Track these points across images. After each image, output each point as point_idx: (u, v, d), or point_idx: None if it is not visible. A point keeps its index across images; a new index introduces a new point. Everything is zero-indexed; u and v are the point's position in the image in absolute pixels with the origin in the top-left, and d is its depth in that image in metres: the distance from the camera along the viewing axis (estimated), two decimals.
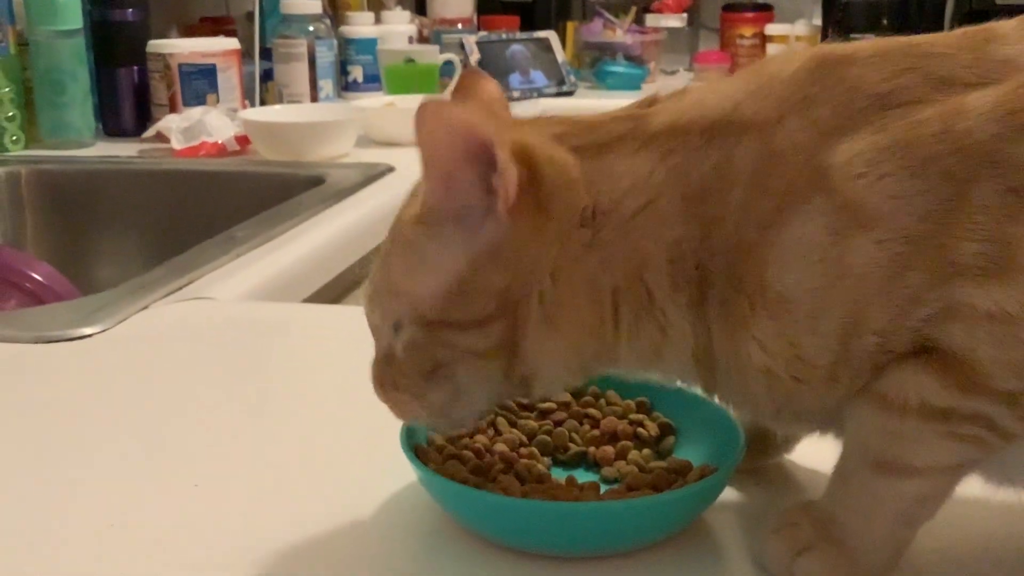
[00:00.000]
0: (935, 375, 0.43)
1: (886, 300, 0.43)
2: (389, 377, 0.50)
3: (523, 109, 2.06)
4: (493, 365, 0.48)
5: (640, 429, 0.58)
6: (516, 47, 2.25)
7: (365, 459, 0.58)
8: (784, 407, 0.47)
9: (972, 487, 0.48)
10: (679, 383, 0.54)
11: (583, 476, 0.55)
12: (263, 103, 1.80)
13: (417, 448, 0.53)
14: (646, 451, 0.57)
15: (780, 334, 0.44)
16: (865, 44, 0.47)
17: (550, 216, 0.46)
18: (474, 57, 2.15)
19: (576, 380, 0.52)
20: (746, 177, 0.45)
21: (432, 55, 1.99)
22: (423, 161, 0.46)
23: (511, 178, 0.45)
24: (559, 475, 0.55)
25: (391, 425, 0.53)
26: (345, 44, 2.07)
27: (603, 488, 0.53)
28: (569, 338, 0.48)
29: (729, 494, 0.53)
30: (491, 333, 0.47)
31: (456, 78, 0.56)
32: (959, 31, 0.46)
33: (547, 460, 0.56)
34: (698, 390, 0.51)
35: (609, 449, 0.57)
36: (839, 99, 0.44)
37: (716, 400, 0.51)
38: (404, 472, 0.52)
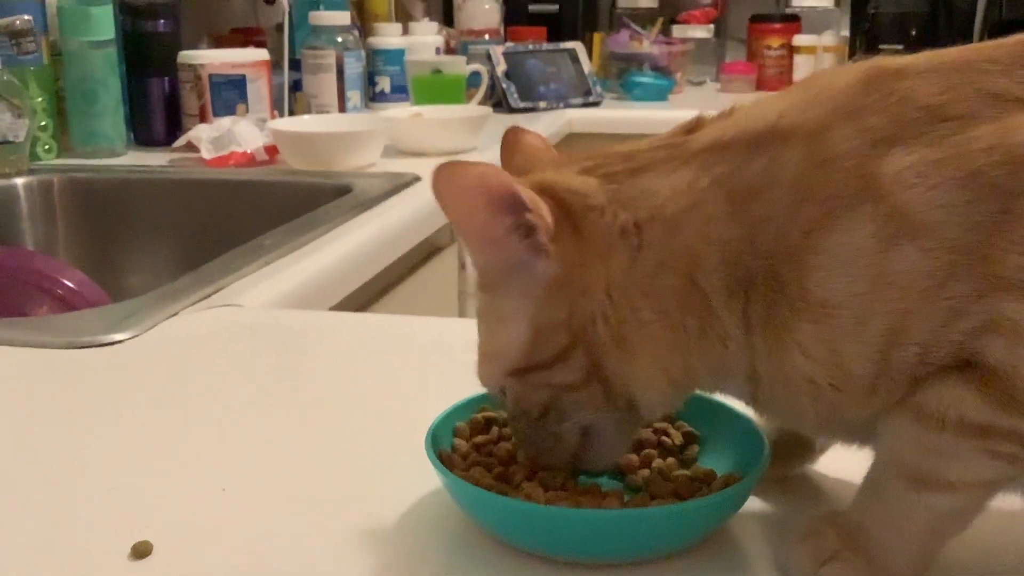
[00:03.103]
0: (974, 390, 0.43)
1: (929, 310, 0.43)
2: (523, 434, 0.52)
3: (549, 120, 2.07)
4: (592, 392, 0.49)
5: (664, 438, 0.58)
6: (543, 58, 2.26)
7: (390, 465, 0.59)
8: (828, 419, 0.47)
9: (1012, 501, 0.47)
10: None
11: (607, 484, 0.55)
12: (292, 113, 1.81)
13: (442, 454, 0.54)
14: (670, 459, 0.57)
15: (821, 340, 0.44)
16: (918, 58, 0.47)
17: (585, 240, 0.47)
18: (500, 68, 2.16)
19: (676, 399, 0.51)
20: (790, 180, 0.45)
21: (459, 66, 2.00)
22: (455, 229, 0.48)
23: (544, 208, 0.47)
24: (583, 483, 0.55)
25: (416, 431, 0.54)
26: (373, 55, 2.09)
27: (627, 496, 0.53)
28: (649, 355, 0.48)
29: (753, 503, 0.53)
30: (574, 364, 0.48)
31: (503, 135, 0.57)
32: (1012, 40, 0.46)
33: None
34: (722, 398, 0.51)
35: (633, 457, 0.57)
36: (891, 109, 0.45)
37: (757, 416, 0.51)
38: (429, 478, 0.53)
